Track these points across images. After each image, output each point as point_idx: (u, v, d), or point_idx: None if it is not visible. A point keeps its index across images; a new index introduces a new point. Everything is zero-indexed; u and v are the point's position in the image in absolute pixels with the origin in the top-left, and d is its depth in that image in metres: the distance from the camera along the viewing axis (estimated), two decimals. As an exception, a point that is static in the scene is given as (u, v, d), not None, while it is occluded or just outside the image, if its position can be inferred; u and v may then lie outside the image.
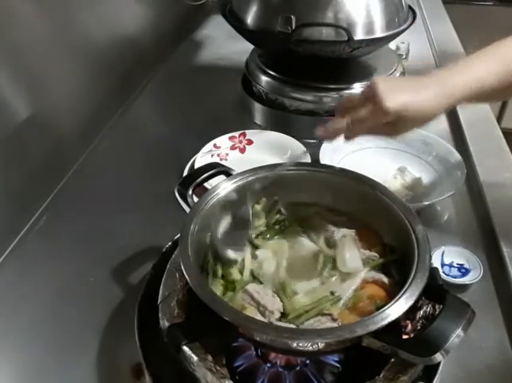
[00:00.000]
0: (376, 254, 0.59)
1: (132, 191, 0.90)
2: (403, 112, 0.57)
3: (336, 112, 0.62)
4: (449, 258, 0.73)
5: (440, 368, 0.54)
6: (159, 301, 0.58)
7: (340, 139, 0.61)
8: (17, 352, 0.64)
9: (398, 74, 1.08)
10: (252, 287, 0.55)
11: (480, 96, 0.62)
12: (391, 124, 0.59)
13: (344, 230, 0.62)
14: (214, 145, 0.95)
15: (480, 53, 0.63)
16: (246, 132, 0.99)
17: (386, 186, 0.62)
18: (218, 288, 0.56)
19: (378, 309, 0.50)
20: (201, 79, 1.28)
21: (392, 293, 0.53)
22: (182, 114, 1.13)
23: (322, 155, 0.87)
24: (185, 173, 0.91)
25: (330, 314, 0.52)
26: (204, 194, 0.61)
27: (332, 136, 0.61)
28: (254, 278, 0.58)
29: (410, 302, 0.47)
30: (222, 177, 0.65)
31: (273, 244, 0.62)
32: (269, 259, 0.59)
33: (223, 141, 0.97)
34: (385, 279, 0.56)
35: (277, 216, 0.66)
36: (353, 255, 0.58)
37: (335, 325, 0.51)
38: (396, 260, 0.58)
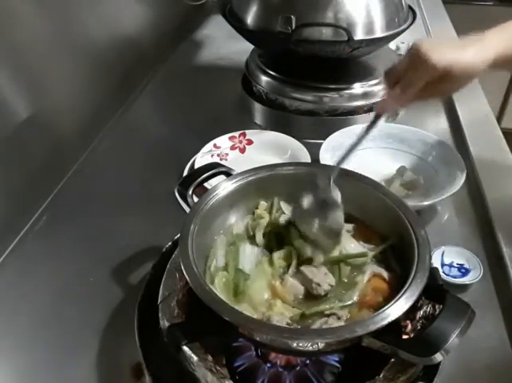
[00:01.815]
0: (372, 247, 0.60)
1: (132, 191, 0.90)
2: (452, 67, 0.58)
3: (387, 83, 0.64)
4: (449, 258, 0.73)
5: (440, 368, 0.54)
6: (159, 301, 0.58)
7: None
8: (17, 352, 0.64)
9: (398, 74, 1.08)
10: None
11: None
12: (438, 85, 0.60)
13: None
14: (214, 145, 0.95)
15: None
16: (246, 132, 0.99)
17: (386, 186, 0.62)
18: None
19: (384, 300, 0.51)
20: (201, 79, 1.28)
21: (394, 286, 0.54)
22: (182, 114, 1.13)
23: (322, 155, 0.87)
24: (185, 173, 0.91)
25: (335, 314, 0.52)
26: (204, 194, 0.61)
27: (390, 108, 0.63)
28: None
29: (410, 302, 0.47)
30: (222, 177, 0.65)
31: None
32: None
33: (223, 141, 0.97)
34: (385, 274, 0.56)
35: (278, 214, 0.65)
36: (356, 246, 0.60)
37: (341, 323, 0.51)
38: (396, 254, 0.59)
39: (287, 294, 0.55)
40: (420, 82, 0.59)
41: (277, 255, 0.59)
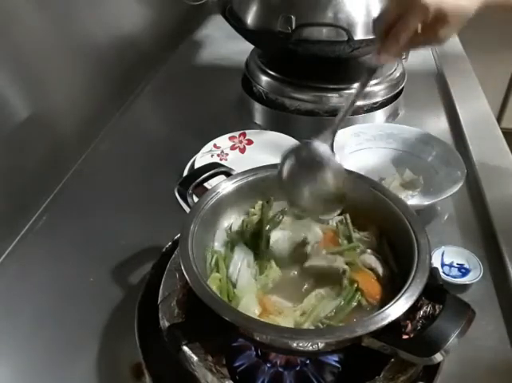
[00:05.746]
0: (367, 233, 0.60)
1: (132, 191, 0.90)
2: (443, 6, 0.56)
3: (378, 33, 0.61)
4: (449, 258, 0.73)
5: (440, 368, 0.54)
6: (159, 301, 0.58)
7: None
8: (17, 352, 0.64)
9: (398, 74, 1.08)
10: None
11: None
12: (432, 28, 0.58)
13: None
14: (214, 145, 0.95)
15: None
16: (246, 132, 0.99)
17: (386, 186, 0.62)
18: None
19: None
20: (201, 79, 1.28)
21: (384, 286, 0.54)
22: (182, 114, 1.13)
23: (322, 155, 0.87)
24: (185, 173, 0.91)
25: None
26: (204, 194, 0.61)
27: (386, 59, 0.62)
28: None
29: (410, 302, 0.47)
30: (222, 177, 0.65)
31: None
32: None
33: (223, 141, 0.97)
34: (380, 270, 0.56)
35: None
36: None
37: None
38: (395, 253, 0.59)
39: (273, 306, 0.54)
40: (413, 26, 0.57)
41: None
